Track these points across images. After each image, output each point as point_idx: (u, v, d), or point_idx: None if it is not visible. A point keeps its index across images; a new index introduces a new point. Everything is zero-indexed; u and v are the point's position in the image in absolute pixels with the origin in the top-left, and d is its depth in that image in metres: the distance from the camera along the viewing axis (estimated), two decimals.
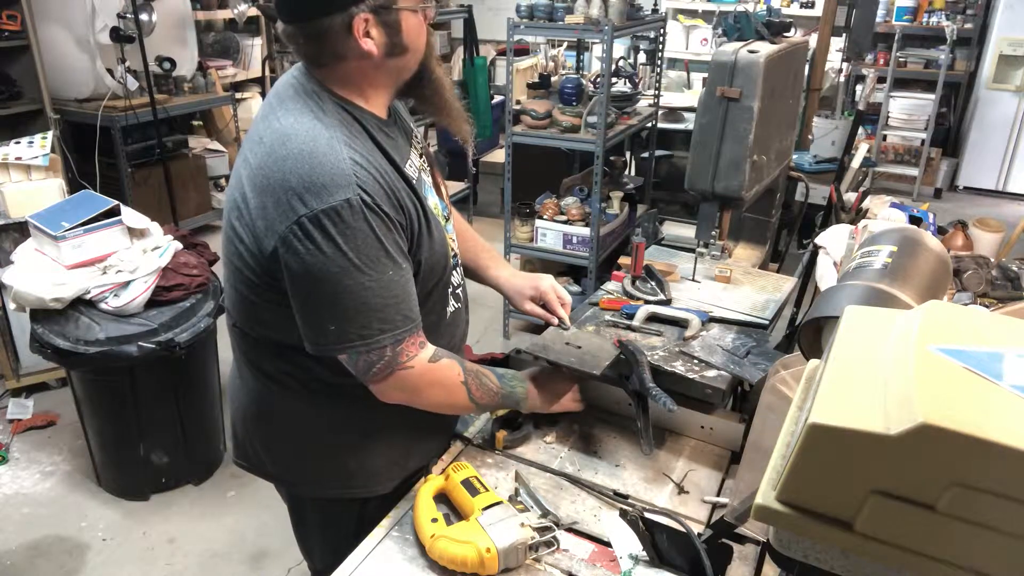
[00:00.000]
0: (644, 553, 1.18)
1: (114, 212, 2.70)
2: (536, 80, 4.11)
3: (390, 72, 1.21)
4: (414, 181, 1.24)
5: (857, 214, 2.82)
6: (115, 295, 2.53)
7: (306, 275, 1.11)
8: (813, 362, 0.92)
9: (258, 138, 1.17)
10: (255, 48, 5.69)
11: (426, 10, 1.20)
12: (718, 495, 1.37)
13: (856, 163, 3.71)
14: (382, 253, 1.13)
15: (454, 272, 1.40)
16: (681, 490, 1.37)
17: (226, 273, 1.28)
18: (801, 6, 6.74)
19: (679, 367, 1.56)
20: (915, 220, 2.52)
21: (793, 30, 2.53)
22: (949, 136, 6.68)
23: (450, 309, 1.39)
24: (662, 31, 4.42)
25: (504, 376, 1.38)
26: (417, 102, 1.34)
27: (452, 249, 1.37)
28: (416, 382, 1.22)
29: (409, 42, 1.19)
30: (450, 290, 1.38)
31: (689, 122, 4.67)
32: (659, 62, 4.50)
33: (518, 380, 1.41)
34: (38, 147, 3.26)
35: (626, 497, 1.34)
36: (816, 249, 2.47)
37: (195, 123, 5.44)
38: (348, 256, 1.09)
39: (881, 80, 6.08)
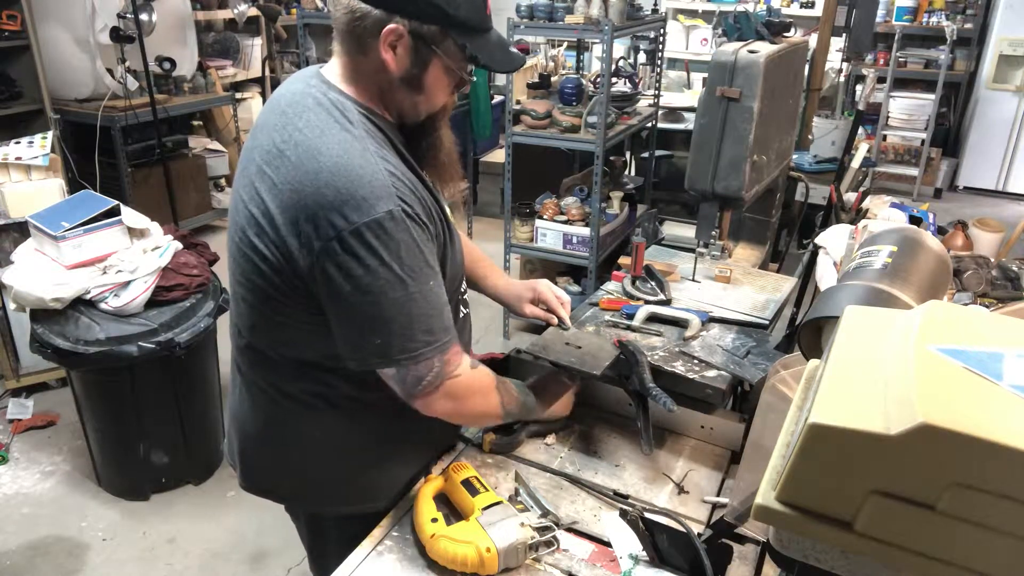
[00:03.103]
0: (644, 553, 1.18)
1: (114, 212, 2.70)
2: (536, 80, 4.11)
3: (401, 100, 1.18)
4: (434, 190, 1.23)
5: (857, 214, 2.82)
6: (115, 295, 2.53)
7: (350, 291, 1.08)
8: (813, 362, 0.92)
9: (277, 151, 1.12)
10: (255, 48, 5.69)
11: (460, 75, 1.18)
12: (718, 495, 1.37)
13: (856, 163, 3.71)
14: (423, 263, 1.11)
15: (463, 279, 1.40)
16: (681, 490, 1.37)
17: (240, 292, 1.22)
18: (801, 6, 6.74)
19: (679, 367, 1.56)
20: (915, 220, 2.53)
21: (793, 30, 2.53)
22: (949, 136, 6.68)
23: (460, 315, 1.40)
24: (662, 31, 4.42)
25: (517, 384, 1.39)
26: (412, 153, 1.30)
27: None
28: (463, 391, 1.21)
29: (428, 86, 1.16)
30: (460, 296, 1.39)
31: (689, 122, 4.67)
32: (659, 62, 4.50)
33: (527, 388, 1.42)
34: (38, 147, 3.26)
35: (626, 497, 1.34)
36: (816, 249, 2.47)
37: (195, 123, 5.44)
38: (393, 268, 1.07)
39: (881, 80, 6.08)
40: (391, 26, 1.09)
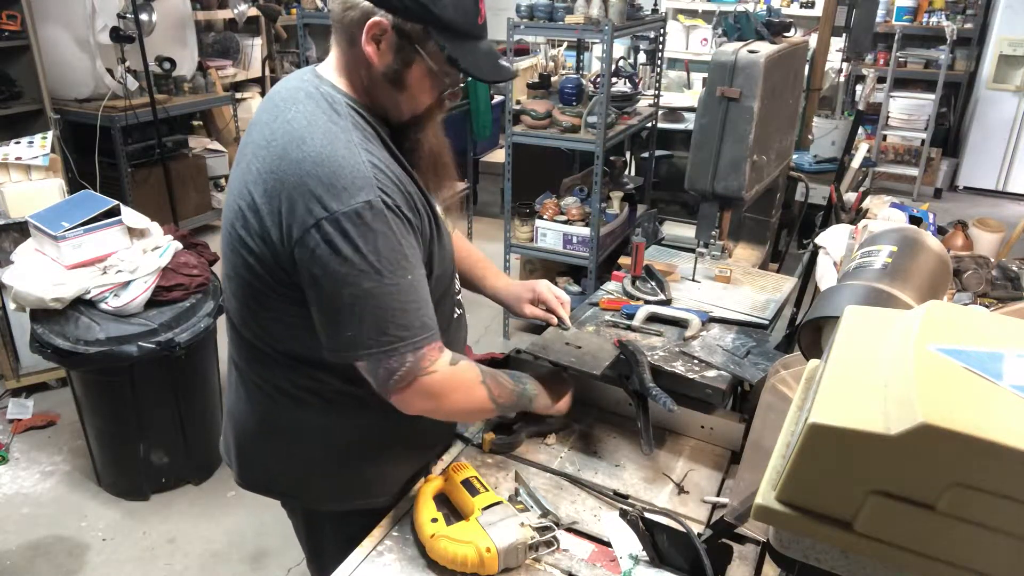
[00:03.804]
0: (644, 553, 1.18)
1: (114, 212, 2.70)
2: (536, 80, 4.11)
3: (384, 96, 1.18)
4: (423, 187, 1.23)
5: (857, 214, 2.82)
6: (115, 295, 2.53)
7: (325, 279, 1.08)
8: (813, 362, 0.92)
9: (264, 142, 1.13)
10: (255, 48, 5.69)
11: (444, 79, 1.17)
12: (718, 495, 1.37)
13: (856, 163, 3.71)
14: (402, 256, 1.11)
15: (455, 279, 1.40)
16: (681, 490, 1.37)
17: (232, 288, 1.23)
18: (801, 6, 6.74)
19: (679, 367, 1.56)
20: (915, 220, 2.53)
21: (793, 30, 2.53)
22: (949, 136, 6.68)
23: (455, 315, 1.40)
24: (662, 31, 4.42)
25: (513, 375, 1.37)
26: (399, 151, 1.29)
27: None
28: (439, 388, 1.18)
29: (410, 85, 1.16)
30: (454, 297, 1.38)
31: (689, 122, 4.67)
32: (659, 62, 4.50)
33: (527, 378, 1.40)
34: (38, 147, 3.26)
35: (626, 497, 1.34)
36: (816, 249, 2.47)
37: (195, 123, 5.44)
38: (368, 259, 1.07)
39: (881, 80, 6.08)
40: (375, 19, 1.10)
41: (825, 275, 2.22)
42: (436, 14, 1.09)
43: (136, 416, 2.64)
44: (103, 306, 2.52)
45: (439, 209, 1.28)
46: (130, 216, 2.74)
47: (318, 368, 1.23)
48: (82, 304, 2.53)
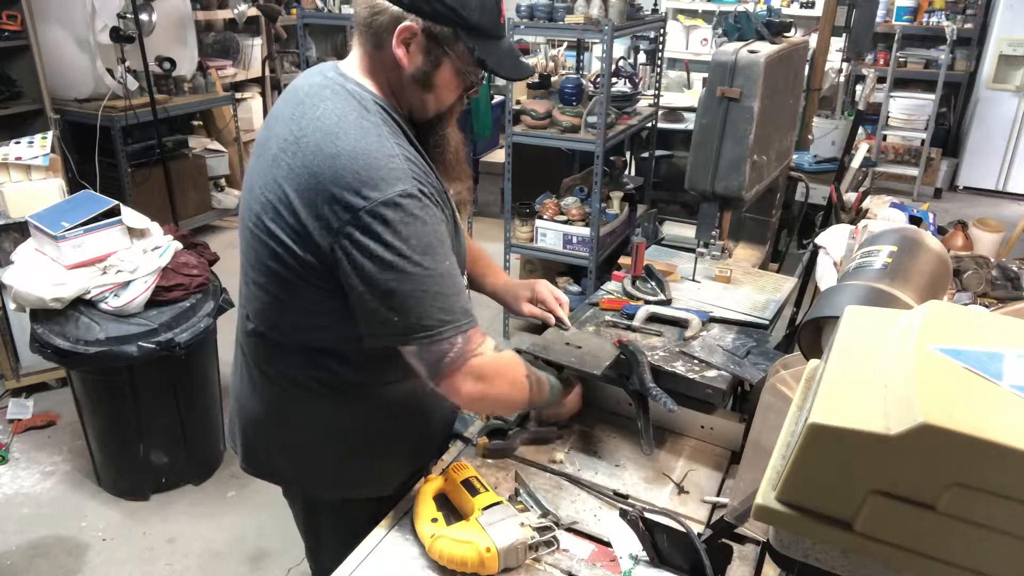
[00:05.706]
0: (644, 553, 1.18)
1: (114, 212, 2.70)
2: (536, 80, 4.11)
3: (411, 96, 1.21)
4: (443, 182, 1.26)
5: (857, 214, 2.82)
6: (115, 295, 2.53)
7: (368, 269, 1.10)
8: (813, 362, 0.92)
9: (294, 138, 1.15)
10: (255, 48, 5.68)
11: (470, 78, 1.21)
12: (718, 495, 1.37)
13: (856, 163, 3.71)
14: (439, 244, 1.14)
15: (464, 274, 1.41)
16: (681, 490, 1.37)
17: (253, 276, 1.24)
18: (801, 6, 6.74)
19: (679, 367, 1.56)
20: (915, 220, 2.53)
21: (793, 30, 2.53)
22: (949, 136, 6.68)
23: None
24: (662, 31, 4.42)
25: (545, 374, 1.40)
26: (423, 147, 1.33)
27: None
28: (489, 370, 1.21)
29: (437, 85, 1.19)
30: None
31: (689, 122, 4.67)
32: (659, 62, 4.50)
33: (556, 385, 1.43)
34: (38, 147, 3.26)
35: (626, 497, 1.34)
36: (816, 249, 2.47)
37: (195, 123, 5.44)
38: (409, 246, 1.10)
39: (881, 80, 6.08)
40: (405, 24, 1.13)
41: (825, 275, 2.22)
42: (465, 17, 1.13)
43: (136, 416, 2.64)
44: (103, 306, 2.52)
45: (454, 205, 1.31)
46: (130, 216, 2.74)
47: (330, 358, 1.25)
48: (82, 304, 2.53)
